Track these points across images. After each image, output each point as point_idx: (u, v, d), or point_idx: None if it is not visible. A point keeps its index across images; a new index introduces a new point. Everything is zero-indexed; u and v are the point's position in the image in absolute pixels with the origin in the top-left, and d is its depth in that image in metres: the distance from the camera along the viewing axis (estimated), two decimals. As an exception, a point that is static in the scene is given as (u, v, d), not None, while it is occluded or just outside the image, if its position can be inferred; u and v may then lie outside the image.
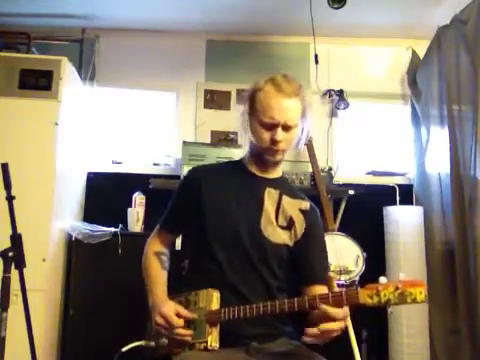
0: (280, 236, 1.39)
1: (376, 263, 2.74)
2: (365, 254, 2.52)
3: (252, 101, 1.40)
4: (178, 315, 1.30)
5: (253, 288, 1.34)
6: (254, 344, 1.31)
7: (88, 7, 2.95)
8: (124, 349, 1.33)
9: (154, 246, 1.53)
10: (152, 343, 1.36)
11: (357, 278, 2.44)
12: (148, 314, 1.42)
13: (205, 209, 1.41)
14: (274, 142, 1.36)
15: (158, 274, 1.47)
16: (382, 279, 1.09)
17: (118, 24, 3.17)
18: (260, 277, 1.37)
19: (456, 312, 2.66)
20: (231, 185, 1.45)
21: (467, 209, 2.56)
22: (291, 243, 1.41)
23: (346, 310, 1.14)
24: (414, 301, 1.02)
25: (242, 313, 1.23)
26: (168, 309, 1.31)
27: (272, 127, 1.35)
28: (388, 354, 2.79)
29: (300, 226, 1.43)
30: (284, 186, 1.50)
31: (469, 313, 2.53)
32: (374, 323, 2.85)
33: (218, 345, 1.26)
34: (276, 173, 1.50)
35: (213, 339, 1.25)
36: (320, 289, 1.38)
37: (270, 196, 1.44)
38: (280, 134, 1.35)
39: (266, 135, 1.36)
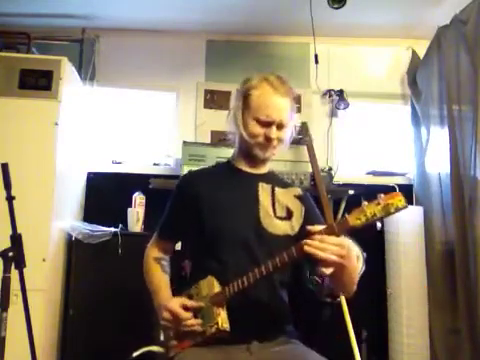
0: (280, 228, 1.41)
1: (376, 263, 2.75)
2: (365, 254, 2.52)
3: (246, 98, 1.43)
4: (185, 307, 1.30)
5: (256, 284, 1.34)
6: (254, 343, 1.31)
7: (88, 7, 2.96)
8: (135, 354, 1.33)
9: (153, 252, 1.55)
10: (162, 349, 1.35)
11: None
12: (155, 319, 1.41)
13: (204, 210, 1.41)
14: (268, 139, 1.40)
15: (161, 277, 1.49)
16: (364, 203, 1.13)
17: (118, 24, 3.17)
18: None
19: (456, 312, 2.66)
20: (225, 185, 1.47)
21: (467, 209, 2.55)
22: (293, 232, 1.42)
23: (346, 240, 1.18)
24: (397, 209, 1.09)
25: (246, 282, 1.22)
26: (174, 303, 1.31)
27: (267, 125, 1.40)
28: (388, 354, 2.79)
29: (299, 212, 1.45)
30: (274, 179, 1.53)
31: (469, 313, 2.53)
32: (374, 323, 2.86)
33: (228, 326, 1.24)
34: (265, 169, 1.53)
35: (223, 320, 1.24)
36: None
37: (264, 190, 1.46)
38: (274, 132, 1.40)
39: (261, 131, 1.40)
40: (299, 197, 1.49)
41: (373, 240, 2.89)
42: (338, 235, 1.15)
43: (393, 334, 2.77)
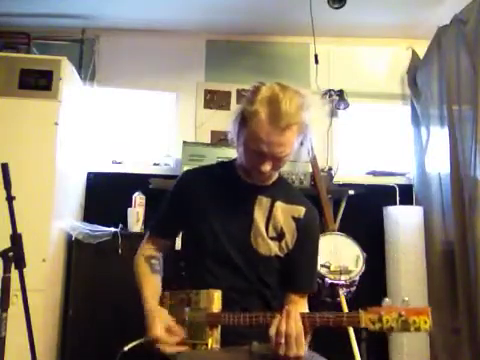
0: (271, 248, 1.35)
1: (376, 263, 2.74)
2: (365, 254, 2.52)
3: (243, 118, 1.25)
4: (167, 329, 1.30)
5: (247, 294, 1.35)
6: (254, 343, 1.31)
7: (88, 7, 2.95)
8: (126, 348, 1.33)
9: (144, 250, 1.52)
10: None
11: (357, 278, 2.44)
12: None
13: (195, 221, 1.39)
14: (260, 171, 1.27)
15: (149, 280, 1.46)
16: (386, 301, 1.06)
17: (118, 24, 3.17)
18: (253, 287, 1.37)
19: (456, 312, 2.66)
20: (222, 195, 1.39)
21: (467, 209, 2.56)
22: (282, 254, 1.37)
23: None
24: (417, 330, 0.99)
25: (242, 321, 1.22)
26: (161, 332, 1.29)
27: (259, 155, 1.24)
28: (388, 354, 2.79)
29: (291, 236, 1.37)
30: (279, 191, 1.41)
31: (469, 313, 2.53)
32: (374, 323, 2.85)
33: (219, 346, 1.25)
34: (269, 179, 1.42)
35: (214, 341, 1.25)
36: (293, 298, 1.38)
37: (261, 206, 1.37)
38: (267, 165, 1.25)
39: (252, 160, 1.28)
40: (297, 219, 1.37)
41: (373, 240, 2.89)
42: (343, 327, 1.10)
43: (393, 334, 2.77)
